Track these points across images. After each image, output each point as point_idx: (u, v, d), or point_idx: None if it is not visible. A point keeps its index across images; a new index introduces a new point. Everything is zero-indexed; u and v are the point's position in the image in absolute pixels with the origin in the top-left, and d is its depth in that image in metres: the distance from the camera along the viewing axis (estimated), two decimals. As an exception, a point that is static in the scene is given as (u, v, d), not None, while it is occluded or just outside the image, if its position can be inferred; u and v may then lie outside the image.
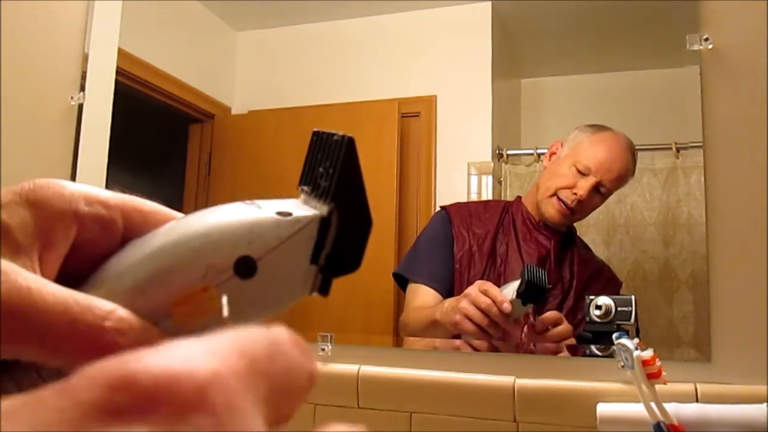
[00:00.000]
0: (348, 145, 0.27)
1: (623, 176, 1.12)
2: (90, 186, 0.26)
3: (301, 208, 0.27)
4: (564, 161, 1.14)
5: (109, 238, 0.26)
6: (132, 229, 0.27)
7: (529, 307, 1.04)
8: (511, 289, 1.03)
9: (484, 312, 1.03)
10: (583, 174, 1.11)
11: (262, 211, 0.26)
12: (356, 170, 0.27)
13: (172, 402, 0.14)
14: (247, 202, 0.27)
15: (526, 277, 1.01)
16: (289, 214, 0.26)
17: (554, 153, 1.17)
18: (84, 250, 0.26)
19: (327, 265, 0.27)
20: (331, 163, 0.27)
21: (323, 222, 0.27)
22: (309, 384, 0.18)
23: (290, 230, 0.26)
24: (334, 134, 0.27)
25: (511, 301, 1.02)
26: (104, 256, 0.26)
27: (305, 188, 0.28)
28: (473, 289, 1.05)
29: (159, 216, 0.28)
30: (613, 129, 1.14)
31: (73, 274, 0.26)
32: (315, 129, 0.28)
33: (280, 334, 0.18)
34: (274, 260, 0.26)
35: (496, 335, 1.05)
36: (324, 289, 0.28)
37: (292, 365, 0.18)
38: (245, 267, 0.25)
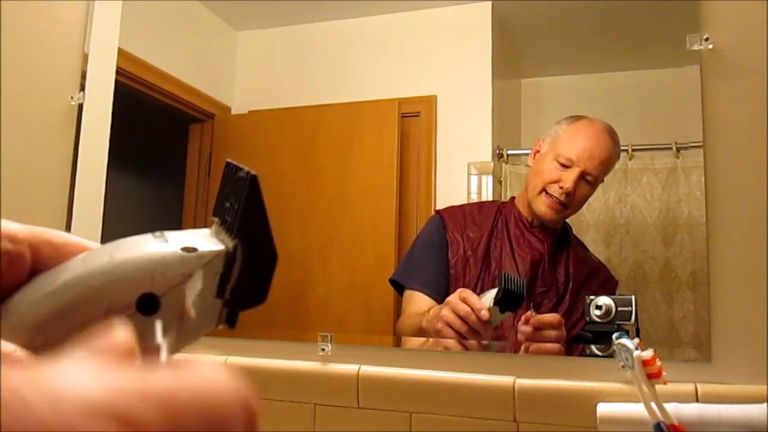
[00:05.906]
0: (251, 182, 0.27)
1: (607, 161, 1.12)
2: None
3: (209, 241, 0.27)
4: (546, 157, 1.14)
5: (17, 273, 0.26)
6: (42, 262, 0.26)
7: (508, 315, 1.04)
8: (489, 297, 1.04)
9: (463, 319, 1.03)
10: (566, 166, 1.11)
11: (168, 245, 0.26)
12: (260, 206, 0.27)
13: None
14: (156, 234, 0.27)
15: (503, 285, 1.01)
16: (194, 250, 0.27)
17: (538, 151, 1.17)
18: None
19: (232, 298, 0.27)
20: (237, 199, 0.27)
21: (228, 257, 0.27)
22: None
23: (194, 266, 0.26)
24: (241, 169, 0.28)
25: (489, 309, 1.02)
26: (11, 290, 0.26)
27: (216, 220, 0.28)
28: (453, 297, 1.06)
29: (71, 248, 0.27)
30: (588, 116, 1.13)
31: None
32: (228, 160, 0.29)
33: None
34: (177, 296, 0.26)
35: (476, 341, 1.05)
36: (230, 321, 0.28)
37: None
38: (148, 303, 0.25)
